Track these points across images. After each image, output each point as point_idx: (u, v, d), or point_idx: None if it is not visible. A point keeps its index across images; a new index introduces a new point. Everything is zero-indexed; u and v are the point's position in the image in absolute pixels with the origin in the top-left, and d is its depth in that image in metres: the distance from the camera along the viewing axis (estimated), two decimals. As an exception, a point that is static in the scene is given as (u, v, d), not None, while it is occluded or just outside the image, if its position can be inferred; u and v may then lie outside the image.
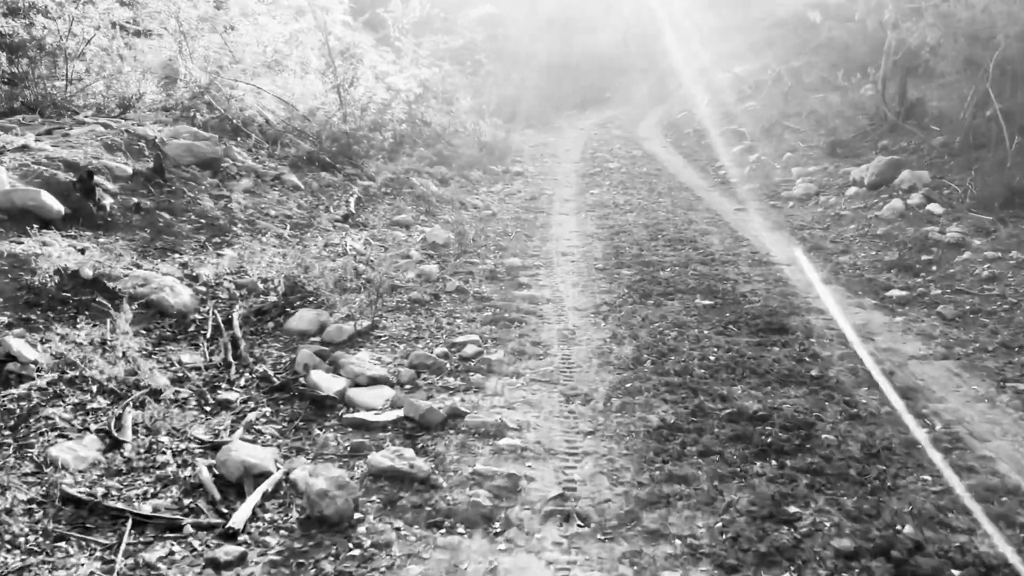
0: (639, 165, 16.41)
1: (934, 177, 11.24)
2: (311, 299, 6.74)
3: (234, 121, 11.95)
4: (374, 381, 5.41)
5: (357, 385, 5.33)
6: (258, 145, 11.69)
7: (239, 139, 11.73)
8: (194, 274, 6.97)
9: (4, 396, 4.53)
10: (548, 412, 5.11)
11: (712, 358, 5.94)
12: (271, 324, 6.41)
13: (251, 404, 5.03)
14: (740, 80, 24.19)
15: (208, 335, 5.95)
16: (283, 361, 5.71)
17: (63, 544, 3.51)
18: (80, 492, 3.86)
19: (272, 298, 6.75)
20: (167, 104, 12.37)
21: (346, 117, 12.32)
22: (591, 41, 35.10)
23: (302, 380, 5.29)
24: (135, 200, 7.92)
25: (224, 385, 5.28)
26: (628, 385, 5.47)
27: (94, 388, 4.81)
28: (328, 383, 5.24)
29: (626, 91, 33.83)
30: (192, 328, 6.10)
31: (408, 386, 5.46)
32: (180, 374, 5.34)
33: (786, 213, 11.51)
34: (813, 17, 19.97)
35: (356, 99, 12.37)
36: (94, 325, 5.46)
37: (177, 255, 7.35)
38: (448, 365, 5.80)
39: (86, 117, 10.39)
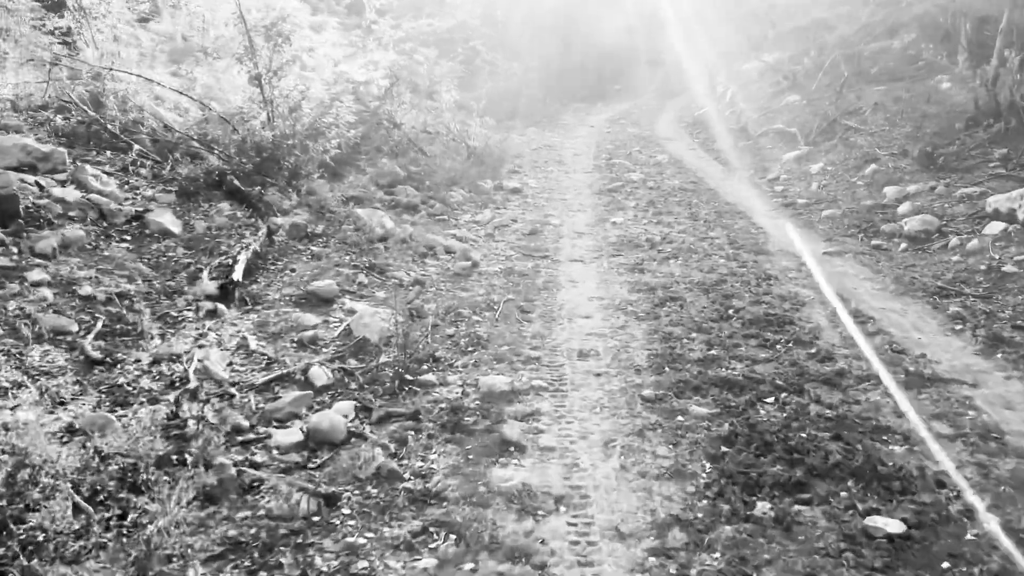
0: (668, 175, 12.33)
1: None
2: None
3: (109, 127, 7.93)
4: None
5: None
6: (140, 161, 7.68)
7: (112, 153, 7.73)
8: None
9: None
10: None
11: None
12: None
13: None
14: (773, 70, 20.00)
15: None
16: None
17: None
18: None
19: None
20: (46, 101, 8.39)
21: (272, 119, 8.28)
22: (596, 29, 30.87)
23: None
24: None
25: None
26: None
27: None
28: None
29: (637, 82, 29.64)
30: None
31: None
32: None
33: (904, 263, 7.44)
34: None
35: (288, 94, 8.33)
36: None
37: None
38: None
39: None
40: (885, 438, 4.17)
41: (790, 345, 5.43)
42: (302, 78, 8.82)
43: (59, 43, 9.04)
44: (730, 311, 6.10)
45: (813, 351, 5.30)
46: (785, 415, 4.40)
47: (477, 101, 13.58)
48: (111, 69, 8.19)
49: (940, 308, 6.17)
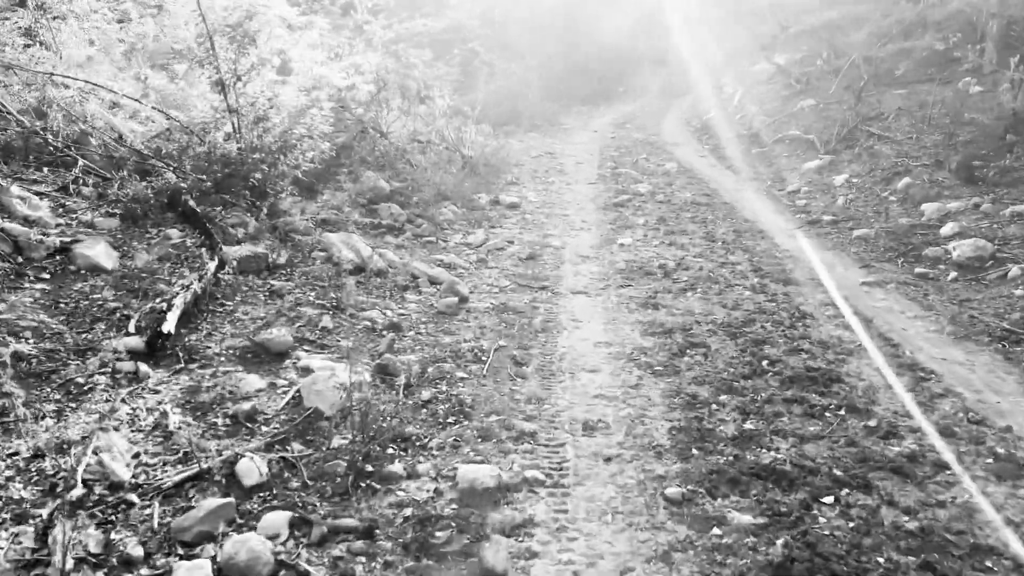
0: (679, 187, 11.25)
1: None
2: None
3: (51, 140, 6.89)
4: None
5: None
6: (83, 179, 6.64)
7: (52, 170, 6.69)
8: None
9: None
10: None
11: None
12: None
13: None
14: (783, 72, 18.89)
15: None
16: None
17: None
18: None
19: None
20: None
21: (238, 131, 7.21)
22: (598, 29, 29.79)
23: None
24: None
25: None
26: None
27: None
28: None
29: (641, 83, 28.54)
30: None
31: None
32: None
33: (958, 296, 6.33)
34: None
35: (255, 102, 7.25)
36: None
37: None
38: None
39: None
40: (989, 564, 3.11)
41: (842, 414, 4.36)
42: (276, 84, 7.75)
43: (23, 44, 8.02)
44: (764, 363, 5.03)
45: (872, 423, 4.23)
46: (852, 526, 3.33)
47: (474, 106, 12.50)
48: (51, 74, 7.13)
49: (1014, 359, 5.09)
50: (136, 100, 7.63)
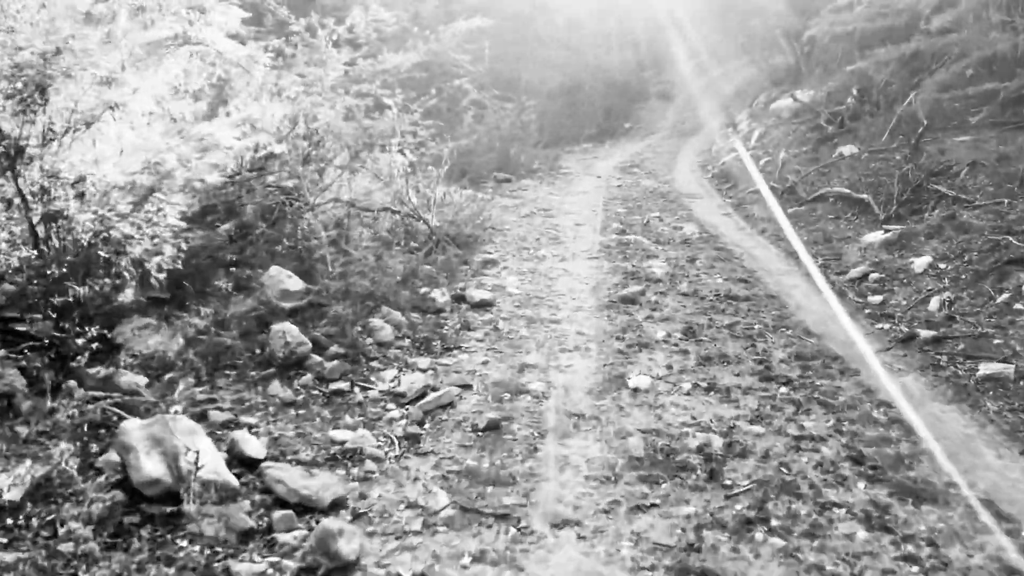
0: (705, 264, 8.31)
1: None
2: None
3: None
4: None
5: None
6: None
7: None
8: None
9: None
10: None
11: None
12: None
13: None
14: (809, 109, 16.00)
15: None
16: None
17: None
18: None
19: None
20: None
21: (36, 234, 4.36)
22: (604, 63, 27.05)
23: None
24: None
25: None
26: None
27: None
28: None
29: (648, 120, 25.78)
30: None
31: None
32: None
33: None
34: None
35: (66, 183, 4.40)
36: None
37: None
38: None
39: None
40: None
41: None
42: (104, 151, 4.88)
43: None
44: None
45: None
46: None
47: (452, 156, 9.64)
48: None
49: None
50: None
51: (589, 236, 9.90)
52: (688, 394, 5.03)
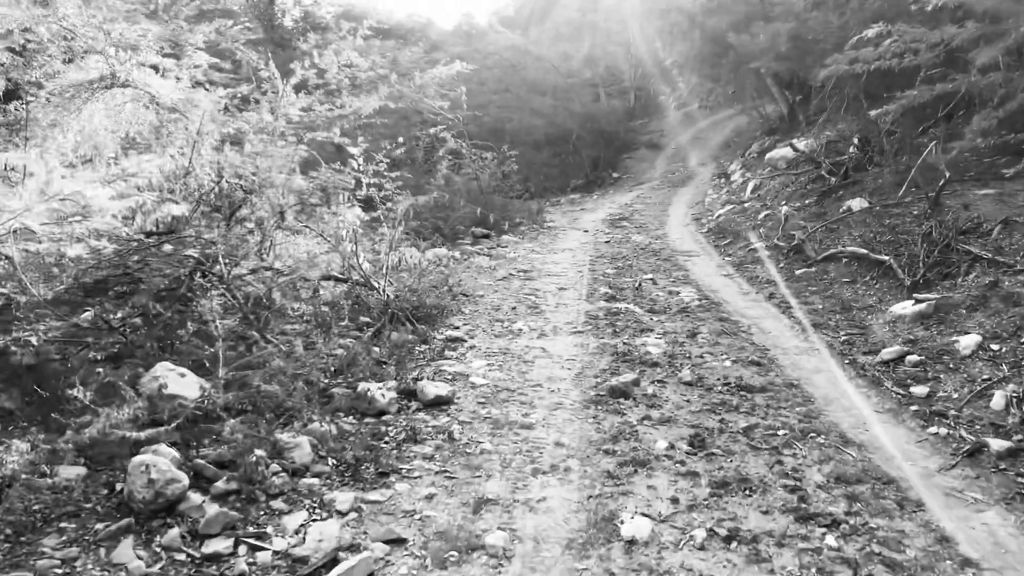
0: (710, 342, 6.96)
1: None
2: None
3: None
4: None
5: None
6: None
7: None
8: None
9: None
10: None
11: None
12: None
13: None
14: (808, 160, 14.93)
15: None
16: None
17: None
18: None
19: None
20: None
21: None
22: (591, 112, 26.21)
23: None
24: None
25: None
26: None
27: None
28: None
29: (637, 170, 24.80)
30: None
31: None
32: None
33: None
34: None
35: None
36: None
37: None
38: None
39: None
40: None
41: None
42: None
43: None
44: None
45: None
46: None
47: (409, 213, 8.38)
48: None
49: None
50: None
51: (573, 304, 8.59)
52: (702, 547, 3.63)
